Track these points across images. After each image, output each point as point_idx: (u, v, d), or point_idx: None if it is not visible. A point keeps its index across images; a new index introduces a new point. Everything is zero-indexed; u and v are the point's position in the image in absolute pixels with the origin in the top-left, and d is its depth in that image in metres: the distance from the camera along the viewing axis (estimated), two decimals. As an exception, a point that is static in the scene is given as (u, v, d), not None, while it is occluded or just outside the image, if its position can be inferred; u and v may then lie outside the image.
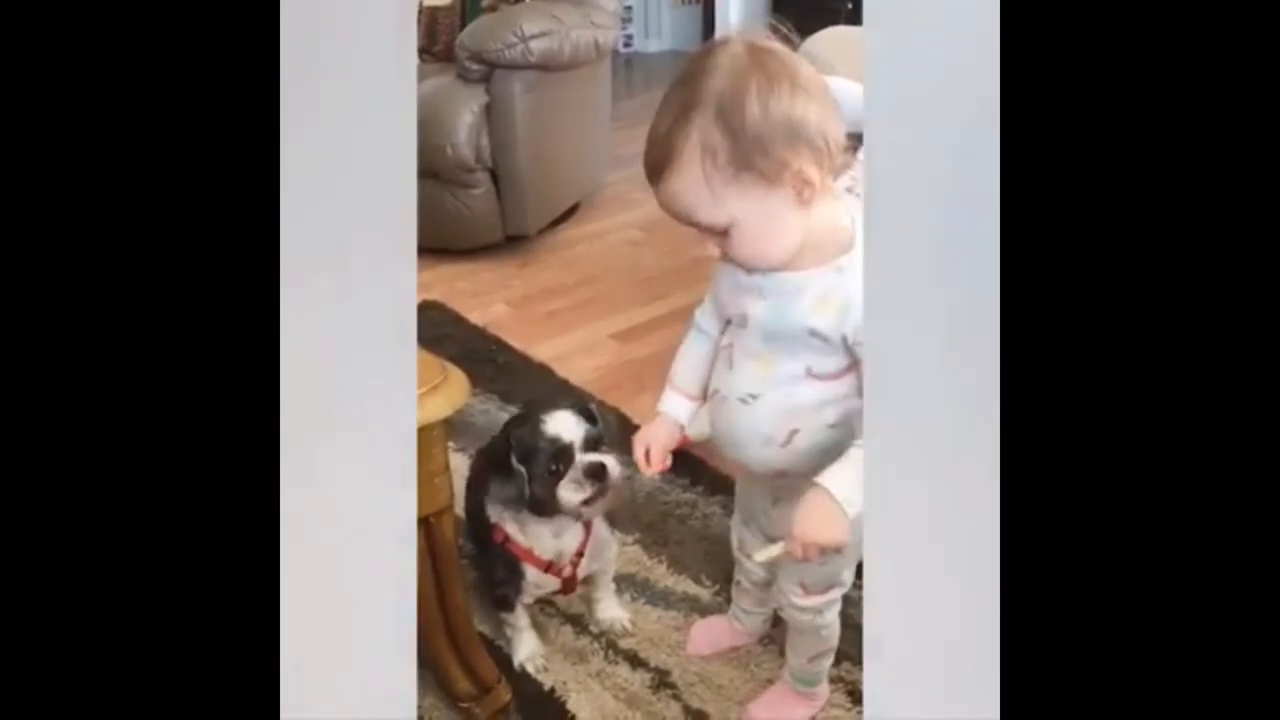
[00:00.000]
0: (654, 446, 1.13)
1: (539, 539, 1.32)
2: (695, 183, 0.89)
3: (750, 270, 0.98)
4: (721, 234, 0.93)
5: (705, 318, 1.13)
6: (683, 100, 0.89)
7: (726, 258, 0.96)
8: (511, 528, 1.32)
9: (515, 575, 1.34)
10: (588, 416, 1.27)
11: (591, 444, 1.24)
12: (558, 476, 1.22)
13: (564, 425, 1.24)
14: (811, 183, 0.89)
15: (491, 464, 1.31)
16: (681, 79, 0.91)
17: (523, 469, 1.23)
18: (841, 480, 0.93)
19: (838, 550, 0.98)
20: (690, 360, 1.15)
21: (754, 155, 0.87)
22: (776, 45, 0.91)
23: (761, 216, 0.91)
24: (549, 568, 1.33)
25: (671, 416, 1.15)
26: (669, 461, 1.14)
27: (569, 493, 1.23)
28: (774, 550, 1.03)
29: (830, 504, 0.93)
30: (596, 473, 1.22)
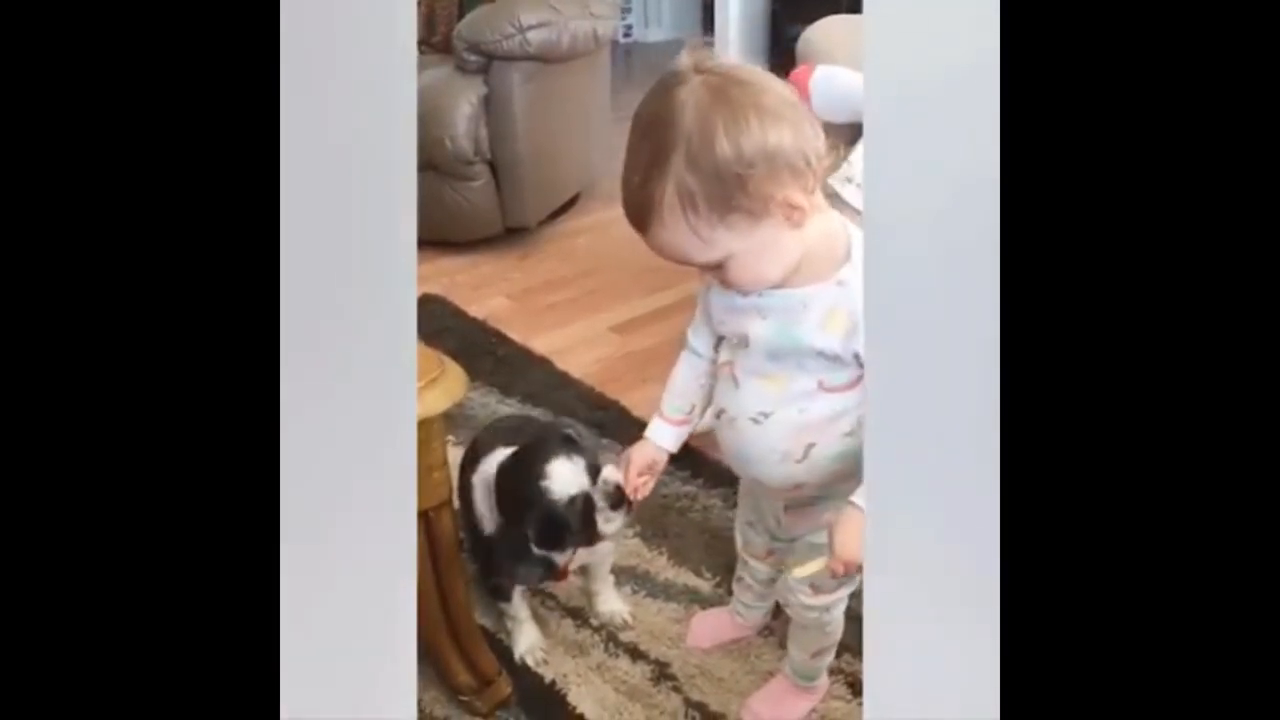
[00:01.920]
0: (630, 469, 1.14)
1: None
2: (682, 233, 0.86)
3: (746, 292, 0.95)
4: (717, 267, 0.91)
5: (698, 338, 1.11)
6: (651, 149, 0.85)
7: (726, 285, 0.94)
8: None
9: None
10: (571, 445, 1.24)
11: (593, 471, 1.21)
12: (591, 521, 1.21)
13: (566, 478, 1.20)
14: (800, 207, 0.86)
15: (515, 555, 1.28)
16: (645, 122, 0.87)
17: (547, 553, 1.24)
18: None
19: None
20: (681, 385, 1.14)
21: (735, 195, 0.84)
22: (735, 68, 0.86)
23: (756, 247, 0.88)
24: None
25: (654, 442, 1.15)
26: (645, 486, 1.15)
27: (608, 525, 1.21)
28: (814, 566, 1.01)
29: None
30: (617, 495, 1.19)
